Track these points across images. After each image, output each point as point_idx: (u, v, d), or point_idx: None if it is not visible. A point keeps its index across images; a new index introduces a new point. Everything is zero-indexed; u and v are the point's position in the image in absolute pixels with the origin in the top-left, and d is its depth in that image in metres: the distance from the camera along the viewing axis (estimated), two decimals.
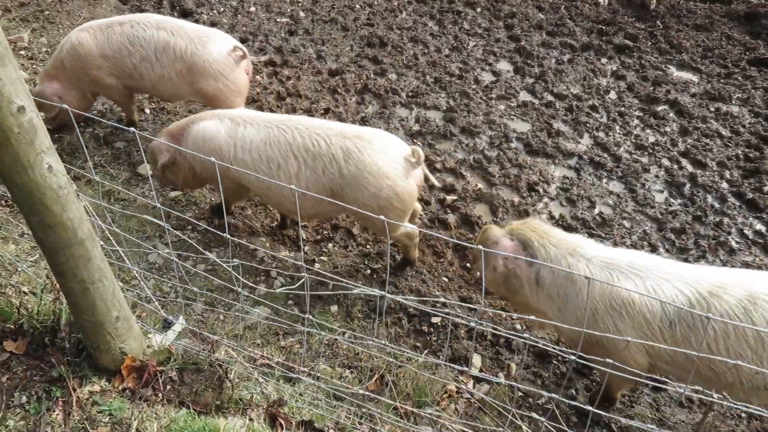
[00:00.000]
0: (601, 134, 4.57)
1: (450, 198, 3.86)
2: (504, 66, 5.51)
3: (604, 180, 4.13)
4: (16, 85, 1.50)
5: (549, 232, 2.44)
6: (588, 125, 4.65)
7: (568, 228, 3.70)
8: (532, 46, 5.78)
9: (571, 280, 2.28)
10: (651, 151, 4.41)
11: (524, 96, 5.04)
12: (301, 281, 1.77)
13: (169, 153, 3.30)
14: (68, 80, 3.87)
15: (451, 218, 3.72)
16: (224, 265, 2.03)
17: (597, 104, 4.92)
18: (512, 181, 4.05)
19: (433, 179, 3.07)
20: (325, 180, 2.88)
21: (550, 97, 5.01)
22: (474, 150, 4.34)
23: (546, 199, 3.94)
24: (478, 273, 2.67)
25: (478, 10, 6.56)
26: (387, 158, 2.83)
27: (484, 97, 4.97)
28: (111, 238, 3.14)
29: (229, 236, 1.78)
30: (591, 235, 3.65)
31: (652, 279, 2.17)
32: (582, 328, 2.25)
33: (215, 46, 3.73)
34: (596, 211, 3.87)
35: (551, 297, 2.36)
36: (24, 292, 2.91)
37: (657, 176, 4.18)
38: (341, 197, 2.89)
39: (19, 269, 2.96)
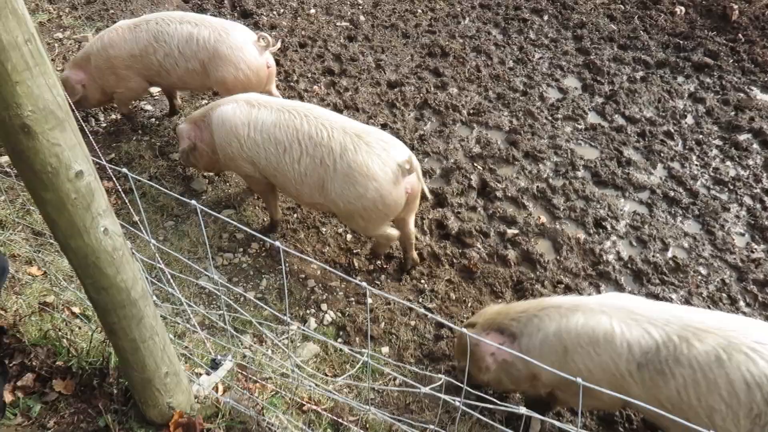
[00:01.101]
0: (676, 165, 4.26)
1: (511, 232, 3.65)
2: (571, 82, 5.23)
3: (679, 218, 3.83)
4: (75, 150, 1.40)
5: (511, 307, 2.43)
6: (662, 154, 4.34)
7: (638, 273, 3.45)
8: (602, 61, 5.46)
9: (542, 330, 2.22)
10: (732, 187, 4.08)
11: (593, 118, 4.76)
12: (359, 365, 1.63)
13: (190, 139, 3.43)
14: (91, 75, 3.95)
15: (512, 254, 3.52)
16: (277, 342, 1.91)
17: (672, 130, 4.60)
18: (578, 216, 3.81)
19: (426, 191, 3.10)
20: (321, 170, 2.97)
21: (621, 120, 4.71)
22: (538, 178, 4.11)
23: (614, 238, 3.69)
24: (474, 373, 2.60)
25: (546, 18, 6.26)
26: (379, 161, 2.87)
27: (550, 118, 4.71)
28: (161, 261, 3.08)
29: (288, 318, 1.65)
30: (663, 282, 3.39)
31: (620, 318, 2.08)
32: (557, 368, 2.11)
33: (239, 36, 3.78)
34: (669, 254, 3.59)
35: (535, 358, 2.27)
36: (74, 314, 2.89)
37: (738, 217, 3.86)
38: (328, 191, 2.98)
39: (71, 288, 2.94)
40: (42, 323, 2.56)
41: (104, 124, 4.42)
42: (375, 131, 3.00)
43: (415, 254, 3.40)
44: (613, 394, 1.42)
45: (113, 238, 1.57)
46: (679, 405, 1.97)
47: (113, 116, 4.50)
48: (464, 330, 1.39)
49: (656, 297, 3.30)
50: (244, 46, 3.77)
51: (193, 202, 1.55)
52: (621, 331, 2.05)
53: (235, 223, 1.64)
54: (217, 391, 2.64)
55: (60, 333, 2.42)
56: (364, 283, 1.38)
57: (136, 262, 1.71)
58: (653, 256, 3.54)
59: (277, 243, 1.46)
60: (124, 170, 1.58)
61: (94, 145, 3.06)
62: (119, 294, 1.67)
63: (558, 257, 3.54)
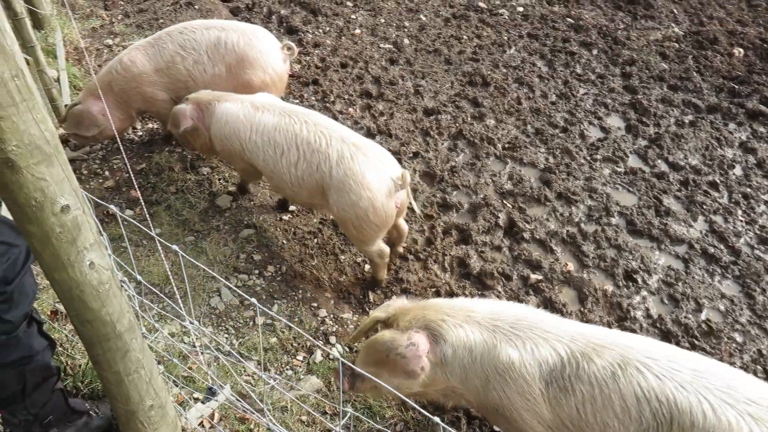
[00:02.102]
0: (719, 219, 4.03)
1: (534, 277, 3.51)
2: (615, 122, 5.04)
3: (717, 278, 3.61)
4: (62, 185, 1.37)
5: (438, 305, 2.30)
6: (705, 206, 4.11)
7: (667, 334, 3.25)
8: (649, 101, 5.26)
9: (467, 349, 2.15)
10: None
11: (634, 161, 4.57)
12: (344, 419, 1.54)
13: (192, 120, 3.50)
14: (113, 102, 3.85)
15: (533, 301, 3.37)
16: (252, 396, 1.85)
17: (718, 181, 4.36)
18: (608, 266, 3.63)
19: (415, 205, 3.23)
20: (317, 176, 3.07)
21: (663, 166, 4.50)
22: (569, 221, 3.95)
23: (645, 293, 3.49)
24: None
25: (594, 52, 6.09)
26: (374, 172, 2.96)
27: (588, 158, 4.54)
28: (172, 279, 3.07)
29: (265, 376, 1.58)
30: (693, 347, 3.19)
31: (532, 339, 2.09)
32: (481, 397, 2.16)
33: (266, 40, 3.87)
34: (703, 316, 3.37)
35: (454, 373, 2.21)
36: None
37: None
38: (327, 197, 3.09)
39: None
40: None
41: (140, 133, 4.49)
42: (372, 144, 3.09)
43: (400, 249, 3.53)
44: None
45: (99, 271, 1.54)
46: (578, 423, 1.98)
47: (150, 125, 4.57)
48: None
49: None
50: (272, 51, 3.88)
51: (175, 246, 1.50)
52: (531, 352, 2.06)
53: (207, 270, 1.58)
54: (213, 420, 2.60)
55: (62, 348, 2.42)
56: (337, 353, 1.30)
57: (124, 295, 1.67)
58: (685, 317, 3.33)
59: (254, 300, 1.39)
60: (112, 207, 1.54)
61: (124, 155, 3.07)
62: (104, 327, 1.63)
63: (582, 308, 3.37)
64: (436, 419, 1.17)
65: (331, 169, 3.00)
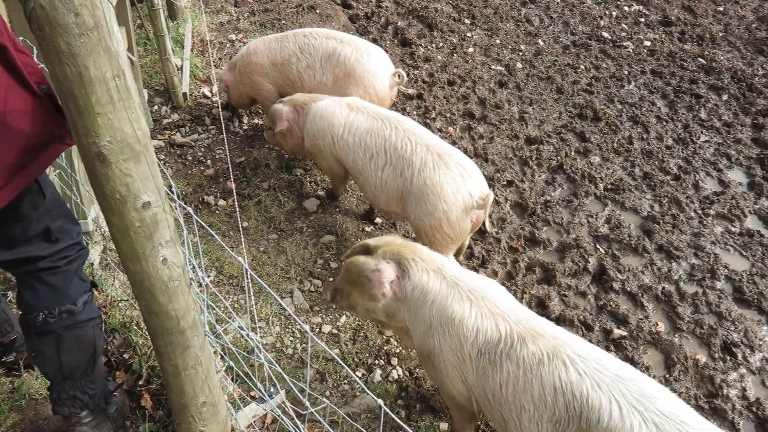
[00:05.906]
0: None
1: (618, 332, 3.26)
2: (737, 176, 4.61)
3: None
4: (147, 182, 1.42)
5: (417, 249, 2.49)
6: None
7: (764, 421, 2.90)
8: None
9: (423, 292, 2.34)
10: None
11: (753, 222, 4.14)
12: None
13: (288, 122, 3.65)
14: (234, 79, 4.30)
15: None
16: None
17: None
18: (704, 333, 3.30)
19: (488, 224, 3.32)
20: (400, 182, 3.13)
21: None
22: (667, 278, 3.64)
23: (743, 370, 3.14)
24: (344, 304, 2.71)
25: (724, 97, 5.62)
26: (453, 186, 2.97)
27: (699, 212, 4.18)
28: (251, 274, 3.14)
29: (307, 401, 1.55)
30: None
31: (480, 306, 2.22)
32: (420, 341, 2.35)
33: (378, 62, 3.92)
34: None
35: (409, 309, 2.40)
36: None
37: None
38: (405, 203, 3.15)
39: None
40: (127, 312, 2.71)
41: (246, 127, 4.68)
42: (456, 154, 3.10)
43: (460, 258, 3.55)
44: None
45: (171, 268, 1.58)
46: (498, 399, 2.10)
47: (255, 121, 4.75)
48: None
49: None
50: (379, 73, 3.92)
51: (240, 259, 1.51)
52: (474, 318, 2.20)
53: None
54: (264, 423, 2.63)
55: (136, 328, 2.54)
56: (380, 401, 1.24)
57: (192, 294, 1.71)
58: None
59: (307, 328, 1.36)
60: (189, 209, 1.58)
61: (226, 146, 3.21)
62: (169, 321, 1.68)
63: (667, 375, 3.09)
64: None
65: (413, 176, 3.05)
